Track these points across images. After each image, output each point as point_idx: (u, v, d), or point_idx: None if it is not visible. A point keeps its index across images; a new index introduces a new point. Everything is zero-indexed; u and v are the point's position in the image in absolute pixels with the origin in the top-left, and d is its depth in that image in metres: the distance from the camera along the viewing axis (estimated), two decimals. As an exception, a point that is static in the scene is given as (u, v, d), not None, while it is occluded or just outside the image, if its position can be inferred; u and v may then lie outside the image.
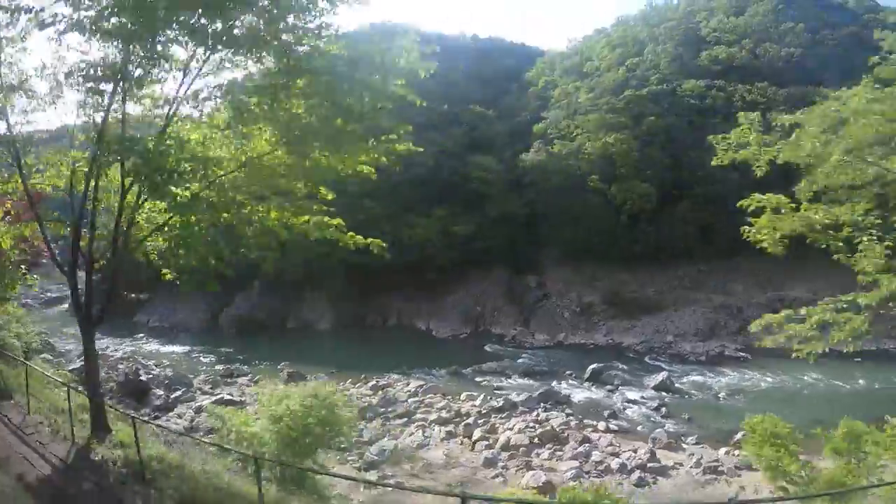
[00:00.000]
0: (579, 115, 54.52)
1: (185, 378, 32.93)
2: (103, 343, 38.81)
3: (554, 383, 34.28)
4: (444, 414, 26.53)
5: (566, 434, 23.80)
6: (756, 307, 45.03)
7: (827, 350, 11.35)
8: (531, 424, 24.86)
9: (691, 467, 20.41)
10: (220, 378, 34.30)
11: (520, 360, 40.38)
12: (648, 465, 20.32)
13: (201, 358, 41.34)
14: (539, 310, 48.99)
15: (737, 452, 20.98)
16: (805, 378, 33.80)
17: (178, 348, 44.05)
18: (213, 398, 27.40)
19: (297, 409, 12.49)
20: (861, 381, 34.22)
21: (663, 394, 32.14)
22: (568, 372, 36.88)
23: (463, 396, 29.73)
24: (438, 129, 55.01)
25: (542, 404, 29.05)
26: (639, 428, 26.29)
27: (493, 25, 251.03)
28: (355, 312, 49.84)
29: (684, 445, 23.21)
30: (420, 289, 49.98)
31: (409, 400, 29.36)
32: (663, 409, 29.05)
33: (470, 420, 25.36)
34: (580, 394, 32.50)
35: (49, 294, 56.19)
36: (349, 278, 47.53)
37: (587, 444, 22.69)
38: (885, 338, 41.80)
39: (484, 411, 27.01)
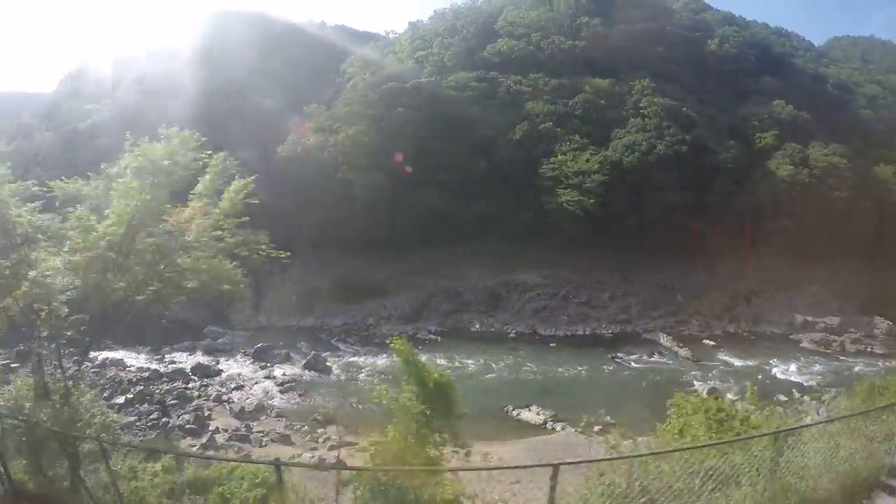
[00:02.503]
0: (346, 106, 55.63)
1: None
2: None
3: (223, 360, 36.62)
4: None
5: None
6: (478, 290, 46.56)
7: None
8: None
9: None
10: None
11: (220, 340, 41.67)
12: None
13: None
14: (272, 294, 50.22)
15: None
16: (493, 363, 35.40)
17: None
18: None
19: None
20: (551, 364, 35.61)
21: (307, 372, 34.00)
22: (244, 350, 38.29)
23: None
24: (215, 125, 56.67)
25: (194, 376, 32.90)
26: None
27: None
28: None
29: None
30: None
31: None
32: (286, 385, 31.50)
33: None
34: (233, 369, 34.84)
35: None
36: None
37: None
38: (579, 323, 42.87)
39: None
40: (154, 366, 35.35)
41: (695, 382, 31.92)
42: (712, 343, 39.90)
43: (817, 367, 35.99)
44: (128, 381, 32.31)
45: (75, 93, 73.84)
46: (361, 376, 33.62)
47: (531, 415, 26.72)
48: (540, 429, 25.40)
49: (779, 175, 50.86)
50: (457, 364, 34.96)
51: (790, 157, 52.81)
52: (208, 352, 38.42)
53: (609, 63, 58.10)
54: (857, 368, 35.24)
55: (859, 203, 54.92)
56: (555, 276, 45.75)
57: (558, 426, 25.26)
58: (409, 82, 55.05)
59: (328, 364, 35.10)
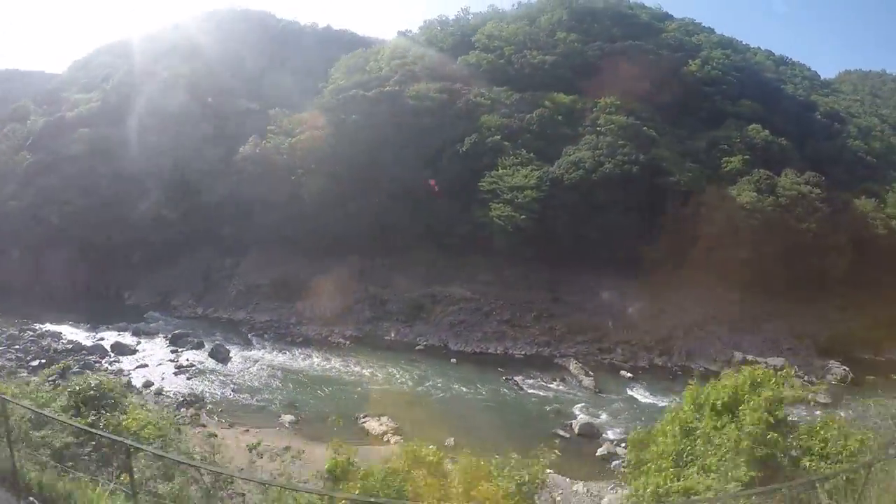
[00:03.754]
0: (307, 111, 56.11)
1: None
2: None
3: (144, 341, 40.44)
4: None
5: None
6: (403, 300, 46.25)
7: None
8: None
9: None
10: None
11: (152, 325, 45.05)
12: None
13: None
14: (217, 287, 50.94)
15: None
16: (391, 372, 36.06)
17: None
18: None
19: None
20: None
21: (209, 360, 37.17)
22: (165, 335, 41.70)
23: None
24: (192, 121, 58.45)
25: (111, 352, 37.59)
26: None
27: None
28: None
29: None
30: (133, 265, 53.79)
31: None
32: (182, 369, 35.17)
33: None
34: (148, 350, 38.77)
35: None
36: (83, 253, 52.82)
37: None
38: (493, 341, 41.75)
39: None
40: (82, 340, 39.75)
41: (578, 414, 30.82)
42: (630, 375, 37.98)
43: None
44: (53, 349, 37.10)
45: (74, 81, 76.87)
46: (253, 370, 36.02)
47: (375, 425, 27.03)
48: (376, 439, 25.77)
49: (739, 201, 48.54)
50: (352, 368, 36.45)
51: (756, 184, 50.40)
52: (136, 333, 42.14)
53: (579, 79, 57.10)
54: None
55: (831, 237, 52.06)
56: (483, 292, 44.88)
57: (394, 439, 25.32)
58: (372, 91, 55.09)
59: (231, 355, 37.90)
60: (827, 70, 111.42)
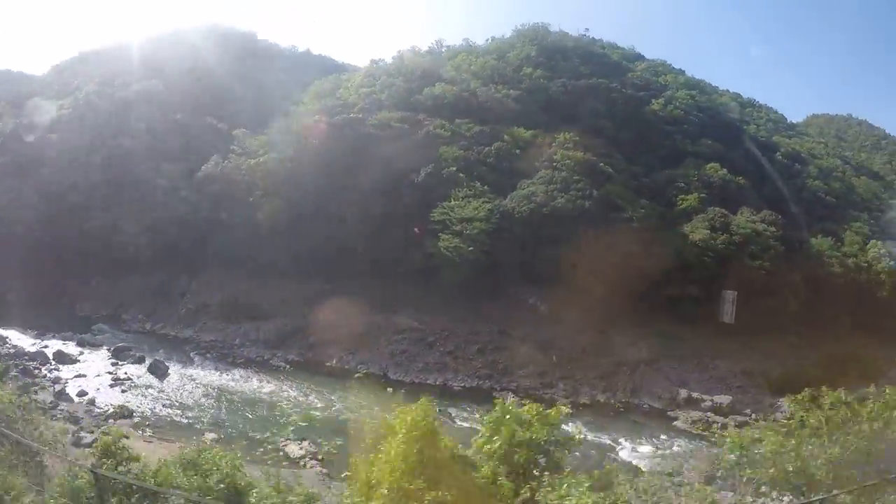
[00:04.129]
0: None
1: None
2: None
3: (87, 352, 41.08)
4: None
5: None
6: (347, 327, 45.80)
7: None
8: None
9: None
10: None
11: (98, 337, 45.79)
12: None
13: None
14: (169, 305, 50.87)
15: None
16: (315, 396, 36.59)
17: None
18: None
19: None
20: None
21: (147, 374, 37.48)
22: (106, 346, 42.63)
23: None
24: (157, 136, 58.82)
25: (53, 360, 38.21)
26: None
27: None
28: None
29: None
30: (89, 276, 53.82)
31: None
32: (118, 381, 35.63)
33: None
34: (89, 360, 39.45)
35: None
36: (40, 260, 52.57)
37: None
38: (434, 372, 41.48)
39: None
40: (26, 346, 40.68)
41: None
42: (569, 411, 37.33)
43: (675, 450, 32.66)
44: (-3, 353, 37.73)
45: (50, 85, 77.37)
46: (189, 387, 36.37)
47: (295, 448, 27.39)
48: (293, 462, 25.90)
49: (692, 238, 48.94)
50: (286, 392, 36.69)
51: (710, 221, 50.91)
52: (81, 343, 42.89)
53: (541, 114, 58.00)
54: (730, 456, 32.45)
55: (785, 275, 52.47)
56: (430, 322, 44.79)
57: (310, 464, 25.93)
58: (336, 117, 55.68)
59: (169, 372, 38.37)
60: (798, 114, 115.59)
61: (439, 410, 34.49)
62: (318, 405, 35.04)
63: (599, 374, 42.72)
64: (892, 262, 60.92)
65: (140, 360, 39.62)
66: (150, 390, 34.84)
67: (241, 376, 39.13)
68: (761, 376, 47.86)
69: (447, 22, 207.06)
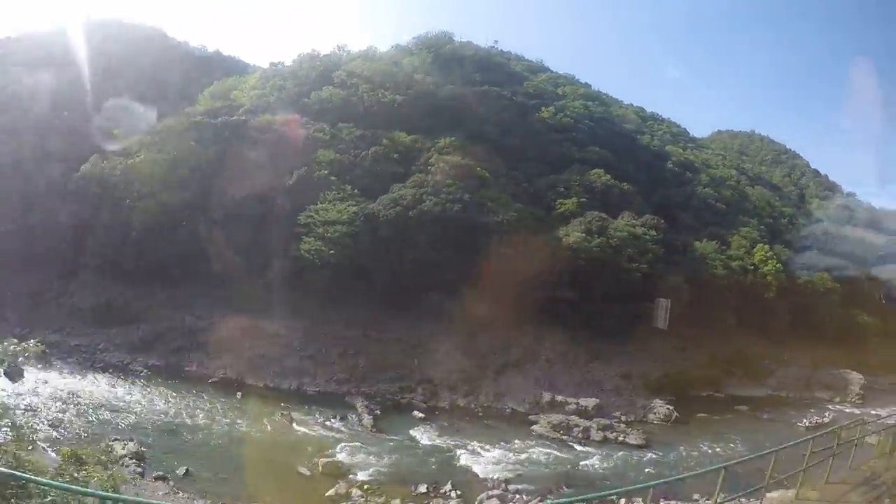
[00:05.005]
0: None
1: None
2: None
3: None
4: None
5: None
6: (214, 332, 44.57)
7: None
8: None
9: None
10: None
11: None
12: None
13: None
14: (43, 308, 48.78)
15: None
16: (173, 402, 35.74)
17: None
18: None
19: None
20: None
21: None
22: None
23: None
24: (37, 136, 56.03)
25: None
26: None
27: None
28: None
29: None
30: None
31: None
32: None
33: None
34: None
35: None
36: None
37: None
38: (291, 377, 40.02)
39: None
40: None
41: (338, 454, 29.97)
42: (422, 416, 36.69)
43: (527, 456, 31.83)
44: None
45: None
46: (41, 390, 34.68)
47: (119, 447, 26.71)
48: (115, 461, 24.21)
49: (565, 242, 48.94)
50: (132, 396, 35.92)
51: (587, 225, 51.12)
52: None
53: (426, 119, 57.71)
54: (584, 462, 31.56)
55: (664, 278, 53.04)
56: (295, 327, 44.00)
57: (132, 463, 25.63)
58: (219, 118, 54.16)
59: (25, 375, 36.65)
60: (709, 131, 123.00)
61: (282, 414, 33.70)
62: (159, 408, 34.40)
63: (464, 378, 42.08)
64: (778, 265, 62.68)
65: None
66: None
67: (95, 380, 38.18)
68: (639, 378, 48.14)
69: (377, 27, 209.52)
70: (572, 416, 38.08)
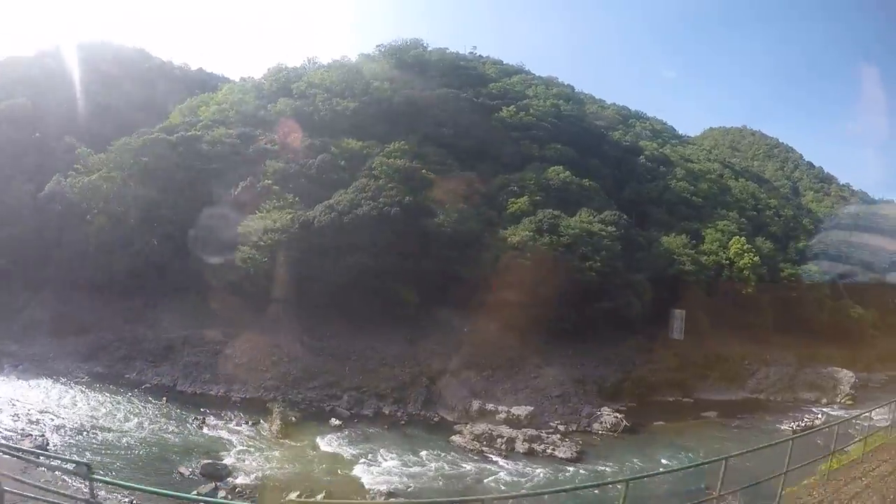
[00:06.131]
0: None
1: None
2: None
3: None
4: None
5: None
6: (160, 340, 45.73)
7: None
8: None
9: None
10: None
11: None
12: None
13: None
14: (7, 321, 49.58)
15: None
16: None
17: None
18: None
19: None
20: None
21: None
22: None
23: None
24: (9, 155, 58.40)
25: None
26: None
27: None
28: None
29: None
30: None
31: None
32: None
33: None
34: None
35: None
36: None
37: None
38: (222, 383, 40.18)
39: None
40: None
41: (230, 458, 30.02)
42: (338, 423, 36.21)
43: (428, 469, 30.30)
44: None
45: None
46: None
47: (27, 444, 27.78)
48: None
49: (510, 242, 47.92)
50: (64, 401, 36.74)
51: (538, 223, 49.99)
52: None
53: (382, 125, 57.74)
54: (491, 478, 29.47)
55: (626, 275, 51.45)
56: (235, 335, 44.97)
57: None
58: (175, 134, 55.40)
59: None
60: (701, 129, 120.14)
61: (195, 418, 33.99)
62: (83, 412, 34.97)
63: (395, 385, 41.41)
64: (756, 258, 60.04)
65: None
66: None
67: (35, 386, 39.17)
68: (594, 384, 46.46)
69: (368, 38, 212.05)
70: (501, 426, 36.17)
